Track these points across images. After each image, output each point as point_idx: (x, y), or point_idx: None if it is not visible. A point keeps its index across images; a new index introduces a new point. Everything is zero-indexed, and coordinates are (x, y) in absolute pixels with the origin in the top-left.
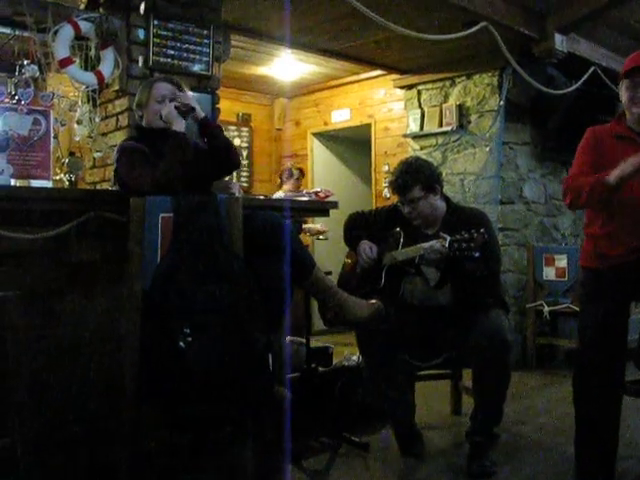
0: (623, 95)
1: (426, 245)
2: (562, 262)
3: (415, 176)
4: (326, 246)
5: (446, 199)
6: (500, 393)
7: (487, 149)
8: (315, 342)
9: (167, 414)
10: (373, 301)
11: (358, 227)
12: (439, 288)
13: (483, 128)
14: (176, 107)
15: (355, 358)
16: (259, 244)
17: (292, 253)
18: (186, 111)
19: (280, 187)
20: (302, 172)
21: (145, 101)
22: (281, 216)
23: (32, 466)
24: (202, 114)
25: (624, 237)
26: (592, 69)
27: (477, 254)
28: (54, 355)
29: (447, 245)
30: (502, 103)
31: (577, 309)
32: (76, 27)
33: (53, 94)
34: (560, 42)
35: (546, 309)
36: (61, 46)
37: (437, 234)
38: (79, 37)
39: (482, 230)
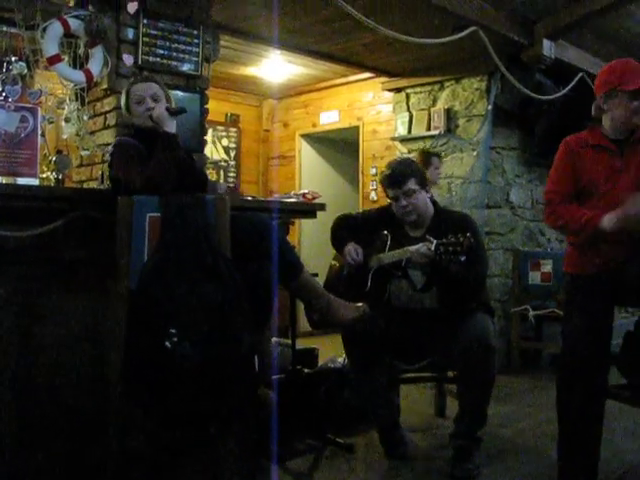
0: (625, 106)
1: (413, 248)
2: (547, 267)
3: (410, 169)
4: (313, 248)
5: (433, 202)
6: (484, 397)
7: (474, 153)
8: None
9: (153, 412)
10: (359, 304)
11: (345, 229)
12: (425, 291)
13: (471, 132)
14: (167, 108)
15: (340, 360)
16: (246, 245)
17: (280, 255)
18: (176, 112)
19: None
20: (439, 158)
21: (127, 106)
22: (268, 217)
23: (18, 460)
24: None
25: (605, 247)
26: (579, 75)
27: (463, 258)
28: (39, 353)
29: (433, 249)
30: (490, 108)
31: (562, 314)
32: (65, 24)
33: (41, 91)
34: (548, 48)
35: (531, 313)
36: (50, 43)
37: (424, 237)
38: (68, 35)
39: (468, 234)
